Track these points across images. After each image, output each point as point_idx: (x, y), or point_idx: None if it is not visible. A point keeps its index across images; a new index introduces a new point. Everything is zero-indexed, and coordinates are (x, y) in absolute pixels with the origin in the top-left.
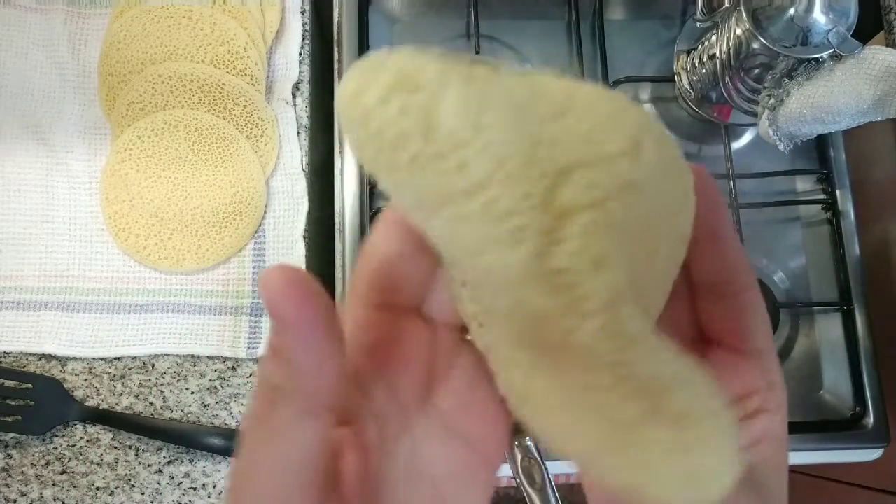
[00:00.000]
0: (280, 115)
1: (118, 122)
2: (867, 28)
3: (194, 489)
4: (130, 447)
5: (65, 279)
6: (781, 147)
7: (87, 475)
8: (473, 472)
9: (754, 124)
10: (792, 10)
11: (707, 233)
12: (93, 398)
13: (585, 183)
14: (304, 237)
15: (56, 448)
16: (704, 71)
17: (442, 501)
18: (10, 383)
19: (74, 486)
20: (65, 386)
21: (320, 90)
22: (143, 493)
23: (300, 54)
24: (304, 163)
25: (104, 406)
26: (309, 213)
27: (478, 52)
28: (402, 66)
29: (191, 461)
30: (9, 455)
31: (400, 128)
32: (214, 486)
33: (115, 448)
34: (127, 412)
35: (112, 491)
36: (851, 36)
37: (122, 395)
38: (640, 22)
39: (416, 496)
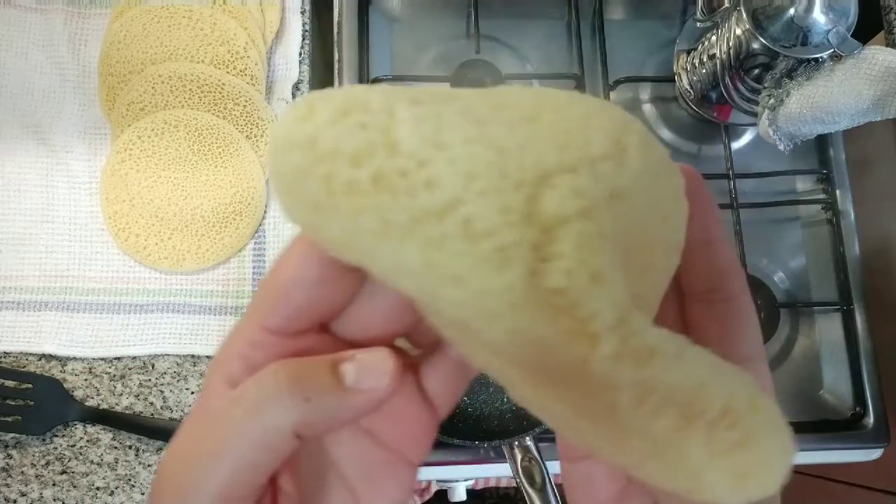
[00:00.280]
0: (280, 115)
1: (118, 122)
2: (867, 28)
3: None
4: (130, 447)
5: (65, 279)
6: (781, 147)
7: (87, 475)
8: (388, 471)
9: (754, 124)
10: (792, 11)
11: (698, 237)
12: (93, 398)
13: (569, 191)
14: None
15: (56, 448)
16: (704, 71)
17: (356, 502)
18: (10, 383)
19: (74, 486)
20: (65, 386)
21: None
22: (143, 494)
23: (300, 54)
24: None
25: (104, 406)
26: None
27: (478, 52)
28: (348, 93)
29: None
30: (9, 455)
31: (361, 140)
32: None
33: (115, 448)
34: (127, 412)
35: (112, 491)
36: (851, 36)
37: (122, 395)
38: (640, 22)
39: (329, 495)
